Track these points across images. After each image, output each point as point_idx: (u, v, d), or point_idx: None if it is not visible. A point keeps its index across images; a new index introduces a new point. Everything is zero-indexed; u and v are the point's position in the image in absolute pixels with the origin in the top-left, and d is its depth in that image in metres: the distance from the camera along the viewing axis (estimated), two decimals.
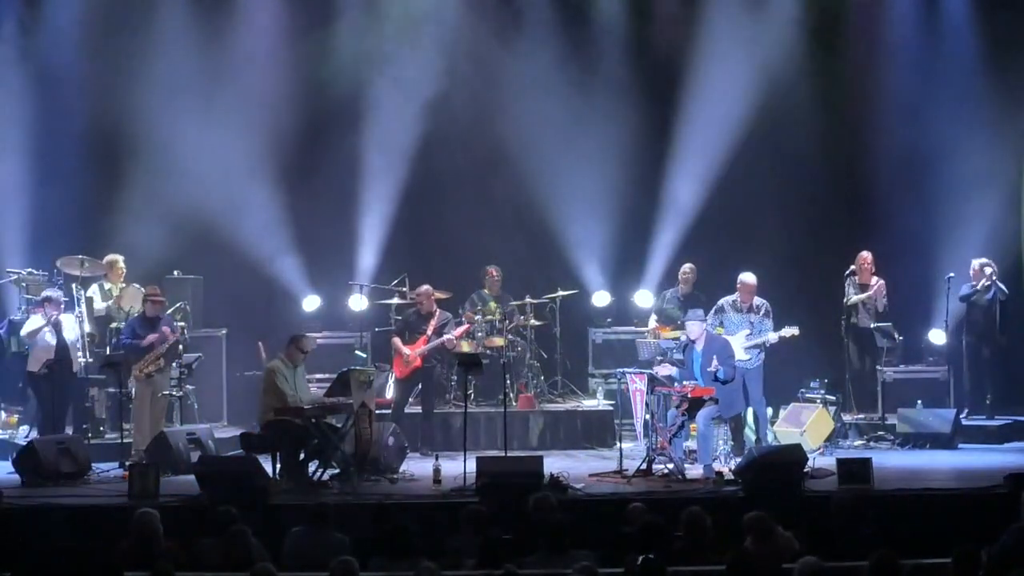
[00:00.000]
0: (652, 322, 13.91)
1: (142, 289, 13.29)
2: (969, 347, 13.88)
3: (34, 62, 14.58)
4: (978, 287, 13.69)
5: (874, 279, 13.84)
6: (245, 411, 13.61)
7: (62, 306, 12.60)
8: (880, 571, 6.82)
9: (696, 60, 15.11)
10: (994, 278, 13.69)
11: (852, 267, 13.92)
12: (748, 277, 12.89)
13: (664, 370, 11.91)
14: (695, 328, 11.85)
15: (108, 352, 13.13)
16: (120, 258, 13.74)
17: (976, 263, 13.75)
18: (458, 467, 10.94)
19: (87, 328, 13.04)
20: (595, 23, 15.43)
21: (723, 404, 11.62)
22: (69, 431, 12.76)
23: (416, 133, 15.16)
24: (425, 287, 13.45)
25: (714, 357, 11.55)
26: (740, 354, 12.23)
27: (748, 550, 7.59)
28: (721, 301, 12.88)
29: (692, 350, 11.85)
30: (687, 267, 14.08)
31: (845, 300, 13.87)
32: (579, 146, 15.05)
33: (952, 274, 13.73)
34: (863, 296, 13.76)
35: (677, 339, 13.15)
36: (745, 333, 12.53)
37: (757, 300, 12.81)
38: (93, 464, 11.84)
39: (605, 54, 15.33)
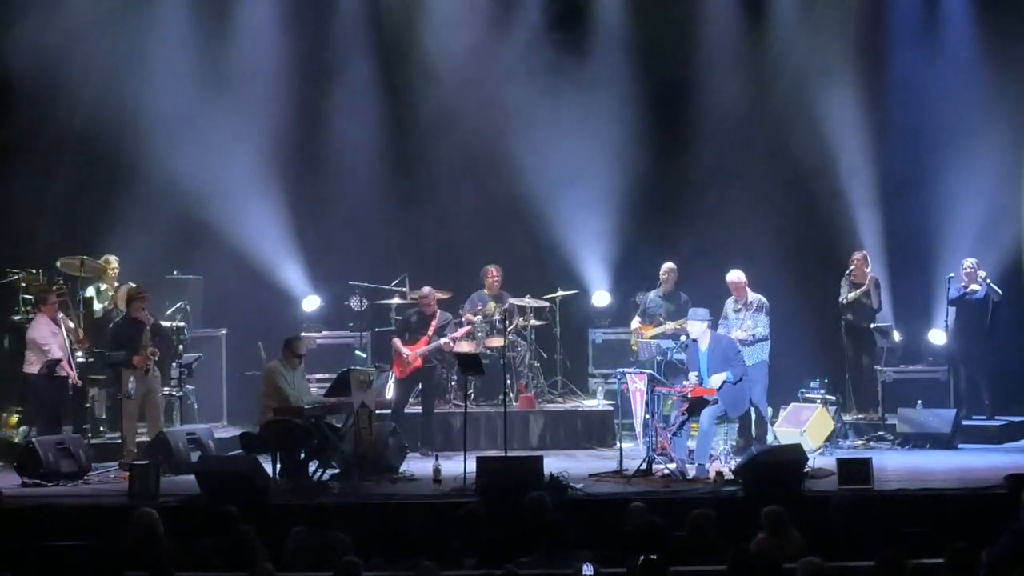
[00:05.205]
0: (635, 323, 13.89)
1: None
2: (961, 348, 13.83)
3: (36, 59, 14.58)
4: (967, 289, 13.66)
5: (868, 276, 13.86)
6: (245, 411, 13.61)
7: (56, 307, 12.56)
8: (887, 569, 6.81)
9: (696, 58, 15.13)
10: (987, 280, 13.68)
11: (851, 267, 13.93)
12: (732, 275, 12.91)
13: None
14: (696, 328, 11.83)
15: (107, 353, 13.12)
16: (113, 259, 13.69)
17: (967, 263, 13.73)
18: (458, 467, 10.95)
19: (80, 335, 13.00)
20: (595, 19, 15.42)
21: (728, 403, 11.59)
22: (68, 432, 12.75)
23: (416, 132, 15.21)
24: (426, 289, 13.45)
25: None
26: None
27: (749, 550, 7.59)
28: (725, 305, 12.88)
29: (696, 349, 11.84)
30: (667, 266, 14.01)
31: (841, 300, 13.87)
32: (580, 145, 15.03)
33: (952, 274, 13.71)
34: (857, 292, 13.75)
35: (680, 337, 13.13)
36: (737, 332, 12.52)
37: (752, 296, 12.81)
38: (93, 464, 11.86)
39: (606, 51, 15.31)
